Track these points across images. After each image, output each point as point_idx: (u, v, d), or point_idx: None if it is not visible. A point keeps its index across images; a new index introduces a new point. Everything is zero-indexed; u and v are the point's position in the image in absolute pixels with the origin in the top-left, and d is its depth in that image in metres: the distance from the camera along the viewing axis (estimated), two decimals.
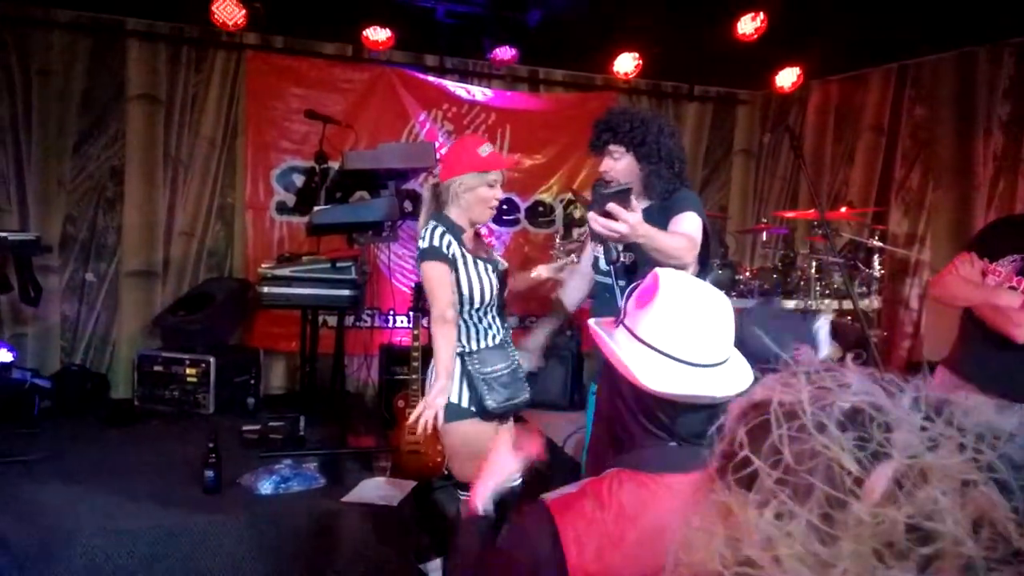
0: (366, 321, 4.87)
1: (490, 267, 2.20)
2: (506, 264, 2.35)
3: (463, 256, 2.17)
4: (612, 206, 1.87)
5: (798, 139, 4.78)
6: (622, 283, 2.21)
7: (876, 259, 4.16)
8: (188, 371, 4.14)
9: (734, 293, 4.02)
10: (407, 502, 3.15)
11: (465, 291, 2.16)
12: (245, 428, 3.67)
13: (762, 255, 4.95)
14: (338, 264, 3.40)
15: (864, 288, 4.12)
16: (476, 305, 2.18)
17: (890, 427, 0.49)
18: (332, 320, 4.05)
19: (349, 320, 4.65)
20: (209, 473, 2.84)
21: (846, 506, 0.47)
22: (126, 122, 4.51)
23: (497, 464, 1.28)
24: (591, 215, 1.91)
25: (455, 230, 2.20)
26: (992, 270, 2.30)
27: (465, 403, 2.21)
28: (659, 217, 2.31)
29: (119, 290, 4.56)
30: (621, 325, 1.15)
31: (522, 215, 5.32)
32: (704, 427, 1.10)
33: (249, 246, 4.72)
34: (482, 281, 2.17)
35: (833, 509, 0.47)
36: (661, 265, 1.68)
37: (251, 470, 3.03)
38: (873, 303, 4.16)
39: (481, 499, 1.26)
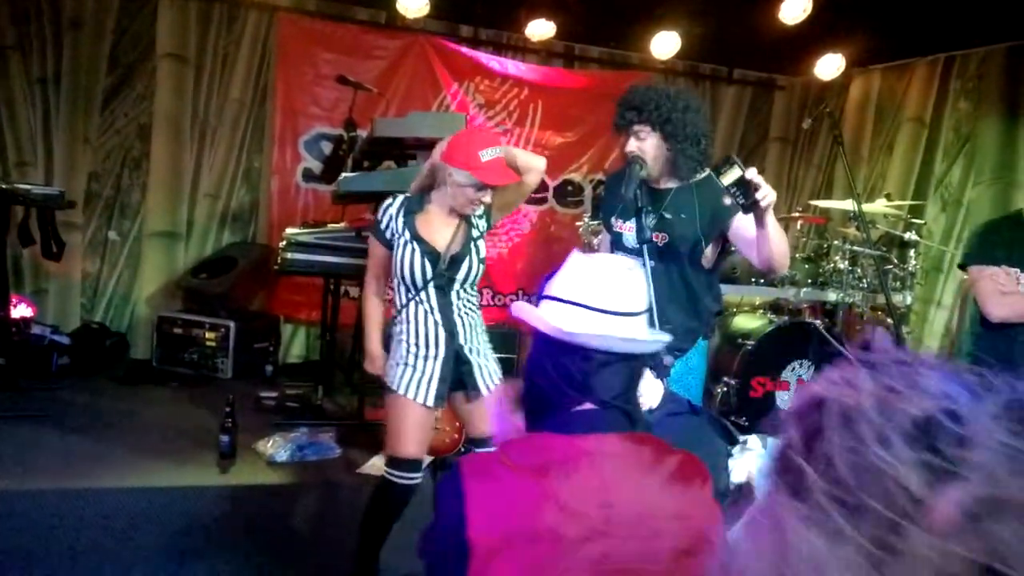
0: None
1: (427, 256, 2.23)
2: (463, 252, 2.28)
3: (400, 235, 2.25)
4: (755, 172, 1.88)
5: (838, 124, 4.64)
6: (653, 263, 2.15)
7: (911, 254, 4.04)
8: (207, 335, 4.13)
9: (763, 281, 3.92)
10: (424, 479, 3.12)
11: (396, 266, 2.27)
12: (262, 395, 3.65)
13: (793, 245, 4.83)
14: (363, 233, 3.33)
15: (898, 283, 4.01)
16: (403, 280, 2.27)
17: (965, 442, 0.41)
18: (355, 291, 4.01)
19: None
20: (224, 438, 2.81)
21: (906, 534, 0.40)
22: (155, 81, 4.47)
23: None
24: (752, 171, 1.87)
25: (414, 207, 2.26)
26: None
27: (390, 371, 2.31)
28: (702, 200, 2.23)
29: (142, 250, 4.55)
30: (542, 300, 1.17)
31: (550, 194, 5.23)
32: (623, 387, 1.11)
33: (273, 212, 4.68)
34: (403, 263, 2.23)
35: (891, 535, 0.40)
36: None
37: (266, 437, 3.01)
38: (907, 299, 4.04)
39: None
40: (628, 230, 2.29)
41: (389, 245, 2.27)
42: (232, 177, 4.66)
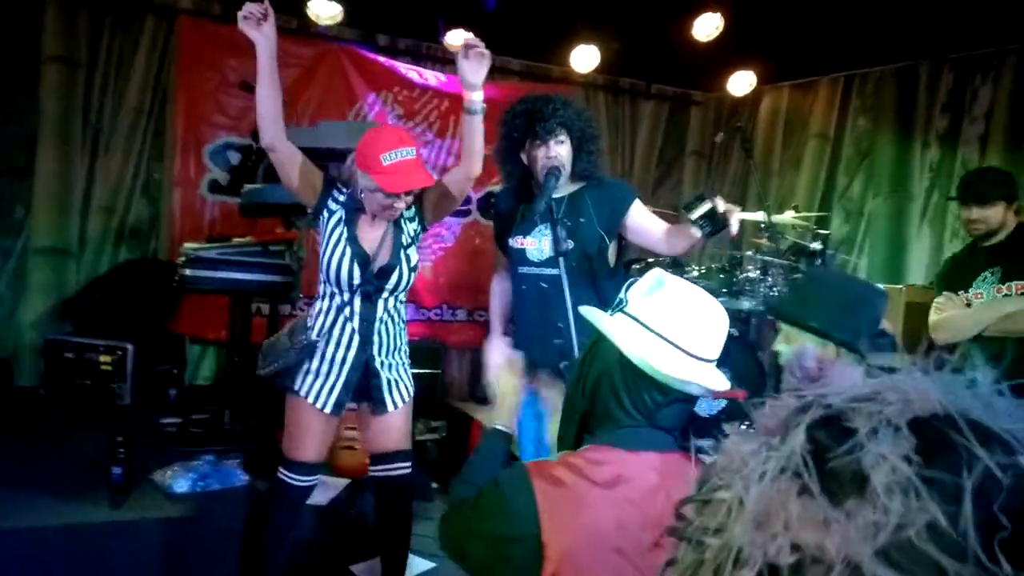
0: (306, 311, 4.62)
1: (356, 259, 2.10)
2: (393, 262, 2.17)
3: (336, 226, 2.12)
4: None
5: (749, 139, 4.79)
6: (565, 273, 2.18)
7: (817, 263, 4.19)
8: (102, 358, 3.81)
9: None
10: (339, 501, 2.97)
11: (324, 264, 2.12)
12: (164, 421, 3.40)
13: (710, 255, 4.94)
14: (270, 247, 3.17)
15: None
16: (329, 281, 2.14)
17: None
18: (267, 308, 3.81)
19: (286, 309, 4.40)
20: (116, 469, 2.57)
21: None
22: (39, 86, 4.13)
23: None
24: (719, 201, 2.00)
25: (357, 205, 2.15)
26: (976, 296, 2.57)
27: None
28: (597, 201, 2.27)
29: (26, 268, 4.17)
30: (620, 313, 1.17)
31: (473, 206, 5.17)
32: (679, 421, 1.18)
33: (176, 226, 4.40)
34: (332, 262, 2.10)
35: None
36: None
37: (166, 466, 2.78)
38: None
39: (506, 418, 1.40)
40: (531, 245, 2.29)
41: (320, 201, 2.15)
42: (129, 189, 4.35)
